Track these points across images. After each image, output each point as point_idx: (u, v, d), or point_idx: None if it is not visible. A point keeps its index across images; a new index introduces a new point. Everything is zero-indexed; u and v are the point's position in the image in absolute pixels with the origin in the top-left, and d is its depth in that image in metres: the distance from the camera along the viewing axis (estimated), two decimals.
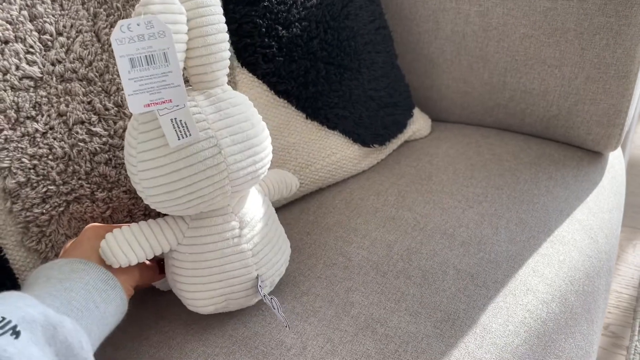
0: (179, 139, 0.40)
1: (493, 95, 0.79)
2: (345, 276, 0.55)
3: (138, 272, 0.47)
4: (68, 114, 0.49)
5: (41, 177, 0.48)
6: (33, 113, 0.47)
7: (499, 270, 0.55)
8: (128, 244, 0.44)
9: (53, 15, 0.48)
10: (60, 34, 0.49)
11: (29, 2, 0.47)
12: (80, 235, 0.45)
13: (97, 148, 0.51)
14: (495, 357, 0.47)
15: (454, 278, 0.54)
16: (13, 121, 0.46)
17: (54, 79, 0.48)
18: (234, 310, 0.52)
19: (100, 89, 0.51)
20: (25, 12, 0.47)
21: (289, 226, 0.65)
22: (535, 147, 0.77)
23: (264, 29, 0.60)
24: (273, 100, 0.63)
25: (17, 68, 0.46)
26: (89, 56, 0.50)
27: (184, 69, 0.43)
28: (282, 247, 0.52)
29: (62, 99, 0.49)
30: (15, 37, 0.46)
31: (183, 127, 0.40)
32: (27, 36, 0.47)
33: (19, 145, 0.47)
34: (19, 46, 0.46)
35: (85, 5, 0.50)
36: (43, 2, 0.48)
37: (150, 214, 0.55)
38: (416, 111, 0.81)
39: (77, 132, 0.50)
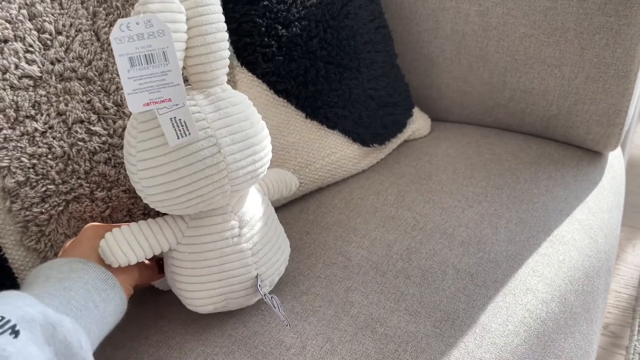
0: (178, 138, 0.40)
1: (493, 95, 0.79)
2: (345, 276, 0.55)
3: (137, 272, 0.47)
4: (67, 113, 0.49)
5: (40, 176, 0.48)
6: (32, 112, 0.47)
7: (499, 270, 0.55)
8: (127, 244, 0.44)
9: (52, 14, 0.48)
10: (59, 33, 0.49)
11: (28, 1, 0.47)
12: (80, 234, 0.45)
13: (97, 147, 0.51)
14: (495, 357, 0.47)
15: (453, 278, 0.54)
16: (12, 120, 0.46)
17: (54, 78, 0.48)
18: (234, 310, 0.52)
19: (99, 88, 0.51)
20: (24, 11, 0.47)
21: (288, 225, 0.65)
22: (535, 147, 0.77)
23: (263, 28, 0.60)
24: (272, 99, 0.63)
25: (17, 67, 0.46)
26: (89, 55, 0.50)
27: (183, 68, 0.43)
28: (281, 246, 0.52)
29: (61, 98, 0.49)
30: (15, 36, 0.46)
31: (182, 126, 0.40)
32: (26, 35, 0.47)
33: (18, 144, 0.47)
34: (18, 45, 0.46)
35: (85, 4, 0.50)
36: (42, 1, 0.48)
37: (149, 213, 0.55)
38: (416, 111, 0.81)
39: (76, 132, 0.49)
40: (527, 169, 0.71)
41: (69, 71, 0.49)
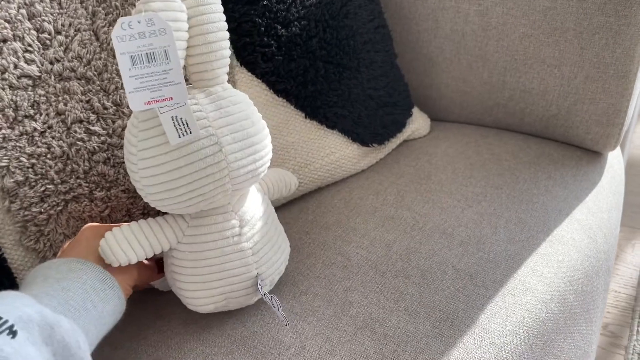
0: (179, 137, 0.40)
1: (492, 95, 0.79)
2: (344, 275, 0.55)
3: (136, 272, 0.47)
4: (66, 112, 0.49)
5: (39, 176, 0.48)
6: (31, 112, 0.47)
7: (498, 270, 0.55)
8: (128, 243, 0.44)
9: (52, 14, 0.48)
10: (58, 32, 0.48)
11: (27, 1, 0.47)
12: (78, 234, 0.45)
13: (96, 147, 0.50)
14: (494, 357, 0.47)
15: (452, 278, 0.54)
16: (11, 120, 0.46)
17: (53, 77, 0.48)
18: (233, 310, 0.52)
19: (98, 87, 0.51)
20: (23, 11, 0.47)
21: (288, 225, 0.64)
22: (535, 147, 0.77)
23: (263, 28, 0.60)
24: (272, 99, 0.63)
25: (16, 67, 0.46)
26: (88, 55, 0.50)
27: (184, 67, 0.43)
28: (281, 245, 0.52)
29: (60, 98, 0.49)
30: (14, 35, 0.46)
31: (184, 124, 0.40)
32: (25, 35, 0.47)
33: (17, 144, 0.46)
34: (17, 45, 0.46)
35: (84, 4, 0.50)
36: (42, 1, 0.48)
37: (148, 213, 0.55)
38: (415, 110, 0.81)
39: (75, 131, 0.49)
40: (526, 169, 0.71)
41: (68, 71, 0.49)
